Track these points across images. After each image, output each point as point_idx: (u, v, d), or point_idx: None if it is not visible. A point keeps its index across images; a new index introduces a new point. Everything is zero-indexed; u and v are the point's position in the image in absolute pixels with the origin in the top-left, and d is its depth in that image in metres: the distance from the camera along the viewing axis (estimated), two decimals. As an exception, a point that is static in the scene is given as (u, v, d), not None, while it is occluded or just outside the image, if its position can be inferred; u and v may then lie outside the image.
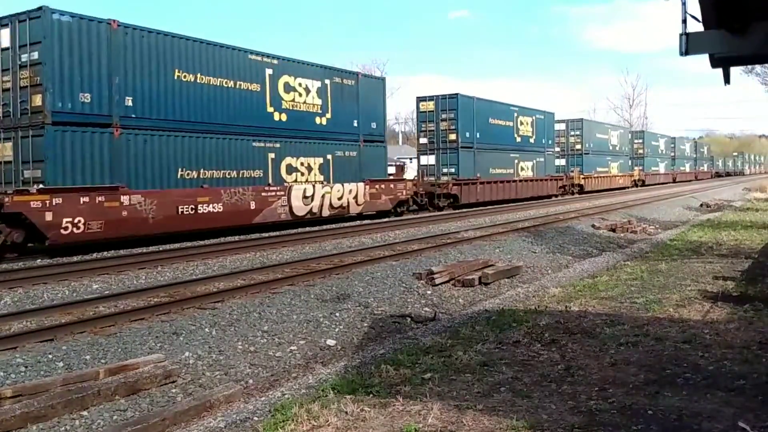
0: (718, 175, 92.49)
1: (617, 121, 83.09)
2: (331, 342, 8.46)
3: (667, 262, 12.75)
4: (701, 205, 32.58)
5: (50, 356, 7.08)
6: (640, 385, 5.35)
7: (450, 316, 9.49)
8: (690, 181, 71.26)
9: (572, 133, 43.61)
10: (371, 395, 5.33)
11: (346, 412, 4.88)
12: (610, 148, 48.12)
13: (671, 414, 4.68)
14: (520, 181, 33.93)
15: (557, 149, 41.92)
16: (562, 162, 43.11)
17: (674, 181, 65.57)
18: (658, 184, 59.23)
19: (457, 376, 5.80)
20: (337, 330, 8.93)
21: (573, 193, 41.20)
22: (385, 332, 8.89)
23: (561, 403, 4.98)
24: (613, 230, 20.03)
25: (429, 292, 11.13)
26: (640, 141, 57.80)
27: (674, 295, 9.13)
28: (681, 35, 6.16)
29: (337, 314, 9.47)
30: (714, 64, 7.14)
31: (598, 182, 44.90)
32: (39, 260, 13.27)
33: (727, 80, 8.15)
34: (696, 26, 6.19)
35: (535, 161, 35.83)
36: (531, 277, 12.86)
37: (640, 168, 56.06)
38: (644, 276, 11.17)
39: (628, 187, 50.74)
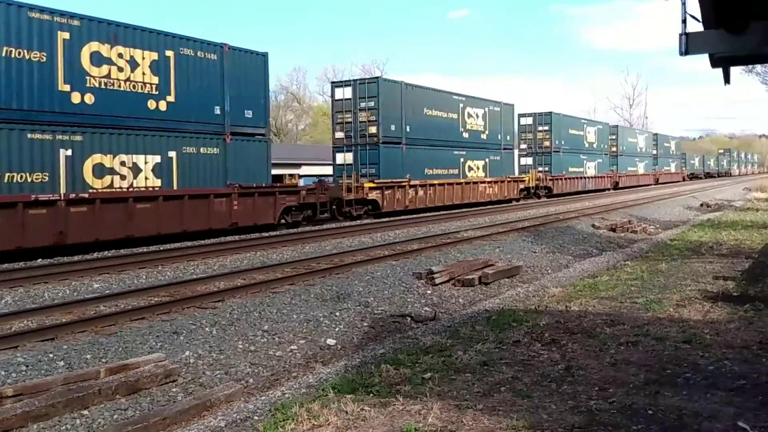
0: (694, 177, 76.62)
1: (617, 121, 79.35)
2: (331, 341, 8.47)
3: (667, 262, 12.75)
4: (701, 204, 32.59)
5: (51, 355, 7.09)
6: (641, 385, 5.35)
7: (450, 315, 9.49)
8: (647, 186, 54.02)
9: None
10: (371, 395, 5.33)
11: (347, 412, 4.88)
12: (465, 136, 29.54)
13: (671, 414, 4.68)
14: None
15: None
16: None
17: (616, 188, 47.93)
18: (581, 193, 40.37)
19: (457, 375, 5.81)
20: (337, 329, 8.93)
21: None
22: (385, 332, 8.90)
23: (561, 403, 4.99)
24: (614, 230, 20.03)
25: (429, 291, 11.13)
26: (546, 128, 38.46)
27: (674, 295, 9.13)
28: (681, 35, 6.17)
29: (337, 314, 9.48)
30: (714, 63, 7.14)
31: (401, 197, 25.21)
32: (40, 260, 13.29)
33: (727, 80, 8.16)
34: (696, 26, 6.20)
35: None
36: (531, 277, 12.85)
37: (545, 169, 37.81)
38: (644, 276, 11.17)
39: (513, 200, 33.08)
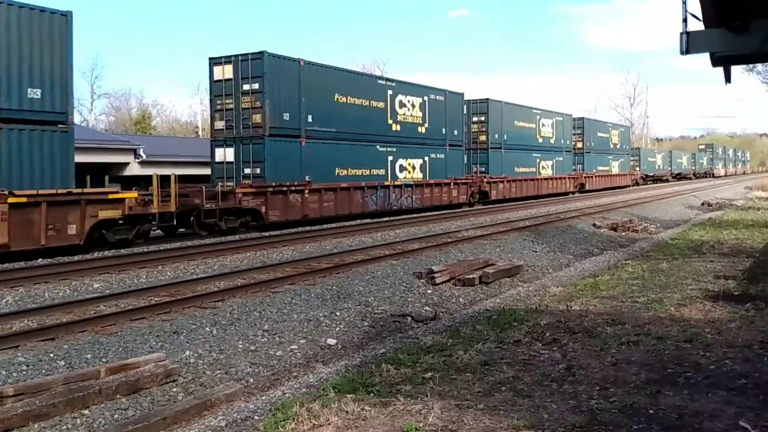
0: (658, 180, 59.20)
1: (618, 121, 78.89)
2: (331, 341, 8.46)
3: (668, 261, 12.74)
4: (702, 204, 32.60)
5: (51, 355, 7.09)
6: (642, 385, 5.34)
7: (451, 315, 9.49)
8: (561, 195, 36.76)
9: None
10: (372, 394, 5.33)
11: (347, 411, 4.87)
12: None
13: (672, 413, 4.67)
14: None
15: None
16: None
17: (485, 202, 29.53)
18: (383, 213, 22.95)
19: (458, 375, 5.80)
20: (337, 329, 8.93)
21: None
22: (386, 331, 8.89)
23: (562, 403, 4.98)
24: (614, 229, 20.02)
25: (429, 291, 11.12)
26: (256, 87, 18.91)
27: (675, 294, 9.12)
28: (682, 34, 6.17)
29: (338, 313, 9.48)
30: (715, 62, 7.15)
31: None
32: (40, 259, 13.29)
33: (728, 79, 8.17)
34: (697, 25, 6.20)
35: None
36: (532, 276, 12.85)
37: (256, 171, 19.07)
38: (645, 275, 11.15)
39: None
